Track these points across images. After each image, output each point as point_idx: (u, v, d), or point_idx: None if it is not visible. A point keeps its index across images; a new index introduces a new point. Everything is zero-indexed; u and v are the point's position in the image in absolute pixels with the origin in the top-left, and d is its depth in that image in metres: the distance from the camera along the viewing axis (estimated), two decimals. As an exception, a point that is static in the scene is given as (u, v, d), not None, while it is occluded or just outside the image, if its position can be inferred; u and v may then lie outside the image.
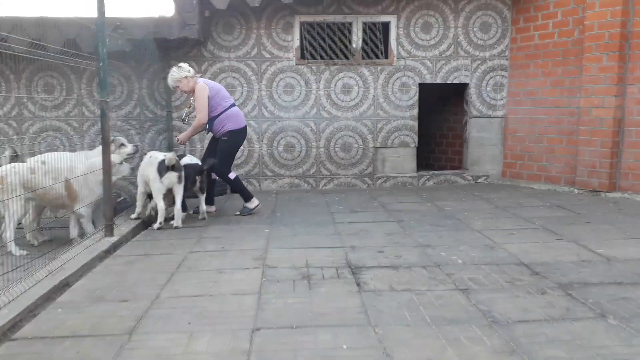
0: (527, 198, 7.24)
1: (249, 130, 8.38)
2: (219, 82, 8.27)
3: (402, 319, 3.28)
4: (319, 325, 3.21)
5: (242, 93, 8.34)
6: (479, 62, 8.56)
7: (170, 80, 6.39)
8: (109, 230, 5.30)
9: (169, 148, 8.19)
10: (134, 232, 5.69)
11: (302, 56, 8.41)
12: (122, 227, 5.66)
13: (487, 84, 8.62)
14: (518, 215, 6.16)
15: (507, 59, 8.59)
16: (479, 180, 8.77)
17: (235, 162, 8.40)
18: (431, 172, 8.86)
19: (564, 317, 3.25)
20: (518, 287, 3.79)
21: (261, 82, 8.34)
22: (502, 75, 8.62)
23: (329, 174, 8.56)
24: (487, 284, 3.89)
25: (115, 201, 6.61)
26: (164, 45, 7.78)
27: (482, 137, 8.77)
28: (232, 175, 6.52)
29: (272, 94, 8.38)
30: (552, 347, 2.85)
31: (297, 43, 8.32)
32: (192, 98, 6.55)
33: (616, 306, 3.39)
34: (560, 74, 7.87)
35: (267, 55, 8.30)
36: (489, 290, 3.76)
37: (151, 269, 4.42)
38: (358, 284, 3.92)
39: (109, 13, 5.90)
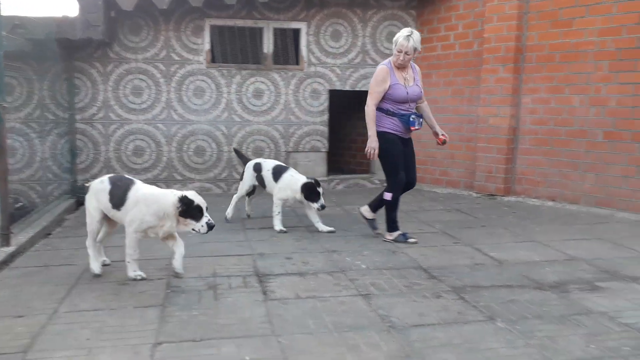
0: (429, 202, 7.58)
1: (156, 133, 8.23)
2: (125, 84, 8.07)
3: (305, 327, 3.36)
4: (223, 337, 3.23)
5: (149, 95, 8.16)
6: (386, 70, 8.84)
7: (418, 43, 5.17)
8: (5, 240, 5.06)
9: (71, 152, 7.90)
10: (33, 241, 5.44)
11: (213, 60, 8.35)
12: (20, 236, 5.40)
13: (394, 91, 8.91)
14: (420, 220, 6.43)
15: (412, 68, 8.92)
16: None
17: (141, 165, 8.23)
18: (341, 176, 9.06)
19: (457, 320, 3.46)
20: (416, 292, 3.98)
21: (170, 84, 8.20)
22: (408, 83, 8.94)
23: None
24: (388, 288, 4.06)
25: (13, 207, 6.29)
26: (67, 46, 7.49)
27: (390, 143, 9.05)
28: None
29: (182, 97, 8.26)
30: (444, 350, 3.03)
31: (207, 46, 8.25)
32: (405, 74, 5.29)
33: (505, 309, 3.64)
34: (460, 83, 8.28)
35: (177, 58, 8.18)
36: (389, 295, 3.93)
37: (50, 281, 4.26)
38: (264, 293, 3.97)
39: (8, 12, 5.62)
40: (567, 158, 7.15)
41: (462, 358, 2.94)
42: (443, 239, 5.58)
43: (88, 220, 4.39)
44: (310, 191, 5.75)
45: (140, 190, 4.19)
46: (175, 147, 8.31)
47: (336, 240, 5.50)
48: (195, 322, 3.43)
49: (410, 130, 5.37)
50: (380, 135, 5.27)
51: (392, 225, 5.48)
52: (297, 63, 8.60)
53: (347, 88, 8.77)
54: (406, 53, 5.15)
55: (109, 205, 4.24)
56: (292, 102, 8.61)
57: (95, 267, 4.37)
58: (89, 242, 4.40)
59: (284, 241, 5.47)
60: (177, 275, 4.19)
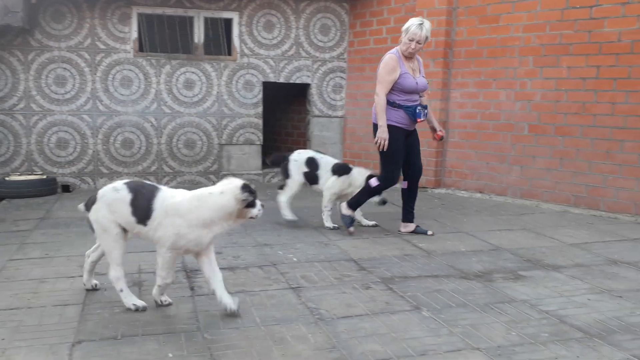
0: (363, 194, 7.62)
1: (81, 124, 7.91)
2: (48, 74, 7.70)
3: (232, 322, 3.30)
4: (146, 334, 3.13)
5: (74, 85, 7.82)
6: (320, 63, 8.83)
7: (429, 32, 5.15)
8: None
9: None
10: (-56, 239, 5.12)
11: (141, 49, 8.09)
12: None
13: (327, 84, 8.93)
14: (353, 212, 6.45)
15: (345, 62, 8.96)
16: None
17: (65, 158, 7.89)
18: (276, 170, 8.98)
19: (384, 310, 3.48)
20: (346, 283, 3.99)
21: (95, 74, 7.89)
22: (341, 77, 8.98)
23: (171, 171, 8.35)
24: (318, 281, 4.04)
25: None
26: (-18, 31, 7.07)
27: (324, 136, 9.07)
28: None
29: (108, 87, 7.96)
30: (370, 341, 3.04)
31: (135, 35, 7.98)
32: (411, 64, 5.23)
33: (431, 298, 3.70)
34: (393, 77, 8.36)
35: (102, 47, 7.87)
36: (319, 287, 3.91)
37: (-40, 281, 4.01)
38: (192, 288, 3.88)
39: None
40: (494, 151, 7.37)
41: (387, 347, 2.96)
42: (375, 231, 5.62)
43: (106, 241, 3.43)
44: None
45: (172, 197, 3.37)
46: (101, 139, 8.01)
47: (269, 233, 5.45)
48: (117, 320, 3.31)
49: (416, 122, 5.26)
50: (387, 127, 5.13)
51: (354, 206, 5.48)
52: (229, 54, 8.45)
53: (282, 80, 8.70)
54: (418, 42, 5.05)
55: (132, 219, 3.36)
56: (225, 94, 8.46)
57: (136, 302, 3.47)
58: (118, 273, 3.43)
59: (214, 235, 5.36)
60: (233, 314, 3.36)
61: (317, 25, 8.74)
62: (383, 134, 5.09)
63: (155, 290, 3.50)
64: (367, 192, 5.43)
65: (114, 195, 3.40)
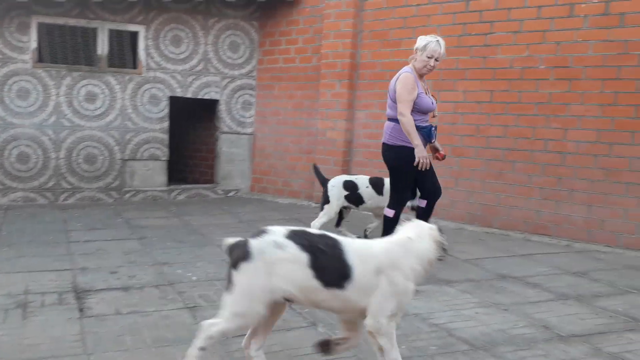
0: (271, 212, 7.64)
1: (-28, 137, 7.44)
2: None
3: (121, 344, 3.19)
4: (27, 358, 2.96)
5: (-37, 95, 7.36)
6: (229, 79, 8.81)
7: (444, 50, 5.08)
8: None
9: None
10: None
11: (41, 59, 7.74)
12: None
13: (236, 101, 8.91)
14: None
15: (254, 79, 9.00)
16: (230, 194, 8.99)
17: (-47, 173, 7.38)
18: (182, 186, 8.83)
19: (281, 327, 3.47)
20: (244, 302, 3.95)
21: (-11, 84, 7.46)
22: (250, 94, 9.00)
23: (70, 187, 7.99)
24: (217, 300, 3.97)
25: None
26: None
27: (233, 153, 9.02)
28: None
29: (4, 98, 7.55)
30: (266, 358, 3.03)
31: (34, 45, 7.63)
32: (424, 83, 5.14)
33: (327, 314, 3.74)
34: (300, 97, 8.49)
35: (-3, 56, 7.47)
36: (217, 306, 3.84)
37: None
38: (81, 310, 3.72)
39: None
40: (396, 170, 7.59)
41: None
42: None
43: (242, 310, 2.66)
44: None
45: (370, 247, 2.76)
46: (-7, 152, 7.56)
47: (169, 252, 5.33)
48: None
49: (430, 143, 5.12)
50: (400, 150, 4.97)
51: None
52: (134, 67, 8.25)
53: (189, 95, 8.60)
54: (436, 59, 4.94)
55: (316, 284, 2.63)
56: (129, 107, 8.24)
57: None
58: (216, 334, 2.71)
59: (111, 254, 5.18)
60: None
61: (226, 42, 8.73)
62: (422, 153, 4.88)
63: None
64: (388, 224, 5.12)
65: (277, 254, 2.62)
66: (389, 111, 5.11)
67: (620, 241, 5.93)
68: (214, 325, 2.71)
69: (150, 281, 4.39)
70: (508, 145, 6.68)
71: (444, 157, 5.36)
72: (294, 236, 2.68)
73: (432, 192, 5.23)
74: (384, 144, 5.17)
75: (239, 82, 8.88)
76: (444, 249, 2.80)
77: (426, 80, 5.23)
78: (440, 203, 7.10)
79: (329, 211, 5.91)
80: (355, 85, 7.92)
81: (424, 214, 5.28)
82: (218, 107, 8.84)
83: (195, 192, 8.82)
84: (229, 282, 2.71)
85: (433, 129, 5.06)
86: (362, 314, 2.68)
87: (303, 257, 2.62)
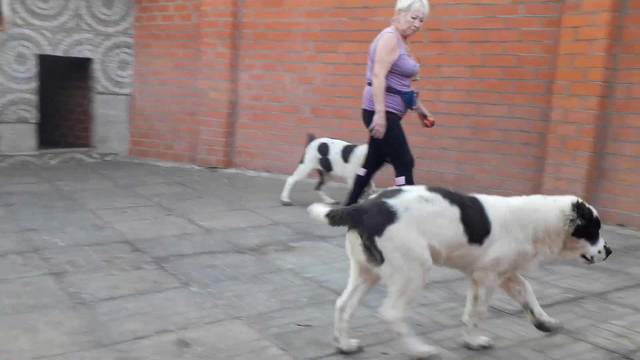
0: (151, 176, 7.41)
1: None
2: None
3: (-25, 313, 2.99)
4: None
5: None
6: (104, 37, 8.34)
7: (428, 9, 4.82)
8: None
9: None
10: None
11: None
12: None
13: (112, 60, 8.47)
14: (137, 194, 6.24)
15: (132, 37, 8.58)
16: (107, 159, 8.60)
17: None
18: (55, 150, 8.32)
19: (151, 289, 3.42)
20: (115, 266, 3.84)
21: None
22: (128, 53, 8.59)
23: None
24: (85, 265, 3.84)
25: None
26: None
27: (109, 115, 8.61)
28: None
29: None
30: (131, 320, 2.97)
31: None
32: (407, 46, 4.89)
33: (202, 274, 3.72)
34: (181, 55, 8.22)
35: None
36: (85, 271, 3.71)
37: None
38: None
39: None
40: (280, 132, 7.62)
41: (148, 326, 2.91)
42: (157, 211, 5.49)
43: (408, 274, 2.46)
44: None
45: (501, 204, 2.68)
46: None
47: (36, 218, 5.03)
48: None
49: (411, 110, 4.94)
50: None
51: None
52: (-4, 22, 7.58)
53: (59, 54, 8.04)
54: (421, 20, 4.73)
55: (463, 239, 2.57)
56: (-8, 67, 7.59)
57: (426, 348, 2.58)
58: (404, 314, 2.52)
59: (-30, 222, 4.81)
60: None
61: (99, -4, 8.22)
62: (381, 120, 4.71)
63: (469, 335, 2.76)
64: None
65: (426, 207, 2.52)
66: (369, 74, 4.92)
67: (486, 196, 6.35)
68: (394, 309, 2.49)
69: (14, 248, 4.13)
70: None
71: (432, 124, 5.10)
72: (438, 190, 2.62)
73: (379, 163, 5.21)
74: (364, 110, 5.00)
75: (114, 40, 8.43)
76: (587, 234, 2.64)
77: (409, 43, 4.98)
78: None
79: (300, 171, 5.93)
80: (237, 45, 7.77)
81: (364, 182, 5.21)
82: (92, 67, 8.36)
83: (70, 157, 8.35)
84: (377, 254, 2.45)
85: (415, 94, 4.88)
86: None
87: (454, 211, 2.56)
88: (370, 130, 4.83)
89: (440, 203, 2.55)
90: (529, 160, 6.03)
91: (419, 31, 6.26)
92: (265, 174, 7.65)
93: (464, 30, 6.33)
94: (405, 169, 4.86)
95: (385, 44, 4.71)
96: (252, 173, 7.73)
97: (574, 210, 2.61)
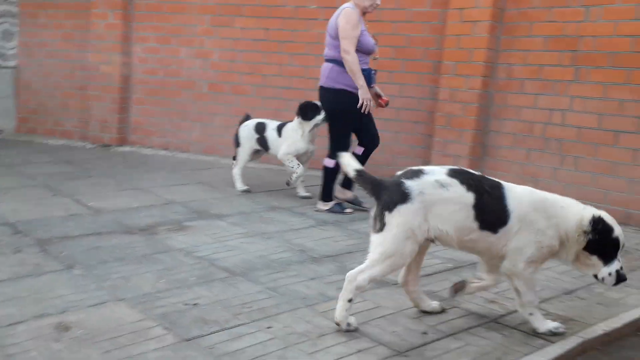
0: (38, 154, 7.03)
1: None
2: None
3: None
4: None
5: None
6: (-18, 4, 7.74)
7: None
8: None
9: None
10: None
11: None
12: None
13: (-8, 30, 7.89)
14: (22, 173, 5.91)
15: (15, 5, 8.03)
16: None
17: None
18: None
19: (31, 273, 3.28)
20: (-8, 250, 3.64)
21: None
22: (11, 23, 8.04)
23: None
24: (-46, 249, 3.61)
25: None
26: None
27: (-8, 89, 8.04)
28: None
29: None
30: (8, 305, 2.84)
31: None
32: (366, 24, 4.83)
33: (87, 256, 3.60)
34: (70, 27, 7.80)
35: None
36: (-44, 256, 3.50)
37: None
38: None
39: None
40: (177, 108, 7.45)
41: (25, 310, 2.80)
42: (42, 192, 5.23)
43: (394, 250, 2.65)
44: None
45: (526, 193, 2.73)
46: None
47: None
48: None
49: (369, 87, 4.79)
50: (342, 93, 4.70)
51: (328, 194, 5.01)
52: None
53: None
54: None
55: (474, 225, 2.66)
56: None
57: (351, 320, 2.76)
58: (363, 281, 2.69)
59: None
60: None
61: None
62: (366, 95, 4.67)
63: (534, 322, 2.79)
64: (329, 176, 4.97)
65: (439, 193, 2.64)
66: (327, 51, 4.85)
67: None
68: (362, 272, 2.66)
69: None
70: (284, 84, 6.89)
71: (387, 103, 5.07)
72: (459, 174, 2.69)
73: (372, 139, 5.04)
74: (321, 87, 4.92)
75: (-5, 9, 7.85)
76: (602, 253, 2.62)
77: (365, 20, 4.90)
78: (222, 141, 7.19)
79: (241, 155, 5.66)
80: (130, 16, 7.46)
81: (360, 162, 5.10)
82: (-30, 36, 7.75)
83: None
84: (380, 224, 2.65)
85: (373, 72, 4.86)
86: (502, 257, 2.73)
87: (469, 197, 2.63)
88: (359, 108, 4.72)
89: (456, 189, 2.65)
90: (418, 137, 6.28)
91: (312, 8, 6.34)
92: (162, 152, 7.47)
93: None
94: (336, 154, 4.83)
95: (348, 20, 4.65)
96: (148, 151, 7.51)
97: (590, 223, 2.60)
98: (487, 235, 2.68)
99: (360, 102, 4.69)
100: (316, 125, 5.17)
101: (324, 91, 4.89)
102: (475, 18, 5.65)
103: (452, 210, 2.64)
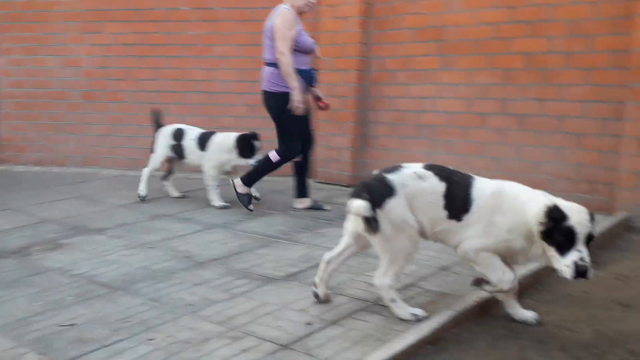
0: None
1: None
2: None
3: None
4: None
5: None
6: None
7: None
8: None
9: None
10: None
11: None
12: None
13: None
14: None
15: None
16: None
17: None
18: None
19: None
20: None
21: None
22: None
23: None
24: None
25: None
26: None
27: None
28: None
29: None
30: None
31: None
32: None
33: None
34: None
35: None
36: None
37: None
38: None
39: None
40: (49, 121, 7.07)
41: None
42: None
43: (398, 244, 2.74)
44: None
45: (493, 187, 2.75)
46: None
47: None
48: None
49: (311, 86, 4.83)
50: (284, 96, 4.66)
51: (255, 180, 4.97)
52: None
53: None
54: None
55: (442, 214, 2.75)
56: None
57: (414, 311, 2.83)
58: (394, 282, 2.81)
59: None
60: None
61: None
62: (298, 97, 4.62)
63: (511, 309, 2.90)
64: (266, 168, 4.83)
65: (418, 184, 2.75)
66: (266, 54, 4.76)
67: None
68: (385, 276, 2.78)
69: None
70: (161, 87, 6.73)
71: (327, 106, 5.02)
72: (433, 167, 2.80)
73: (308, 140, 5.00)
74: (264, 91, 4.83)
75: None
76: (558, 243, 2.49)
77: (302, 19, 4.86)
78: (100, 151, 6.91)
79: (154, 160, 5.40)
80: (-8, 27, 6.98)
81: (304, 169, 5.06)
82: None
83: None
84: (375, 223, 2.68)
85: (314, 72, 4.85)
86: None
87: (441, 186, 2.73)
88: (283, 113, 4.74)
89: (431, 179, 2.76)
90: (302, 132, 6.36)
91: (185, 9, 6.27)
92: (35, 168, 7.05)
93: (233, 9, 6.41)
94: (285, 156, 4.84)
95: (284, 20, 4.61)
96: (21, 168, 7.06)
97: (544, 213, 2.51)
98: (453, 225, 2.75)
99: (292, 104, 4.68)
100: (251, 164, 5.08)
101: (268, 95, 4.86)
102: (345, 14, 5.81)
103: (428, 200, 2.76)
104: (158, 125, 5.47)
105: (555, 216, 2.48)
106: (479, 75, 5.35)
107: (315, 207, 5.09)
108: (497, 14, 5.15)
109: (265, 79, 4.85)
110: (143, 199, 5.40)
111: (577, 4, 4.74)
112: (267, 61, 4.82)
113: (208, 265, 3.69)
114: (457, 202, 2.74)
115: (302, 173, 5.07)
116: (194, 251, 3.98)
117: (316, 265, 3.63)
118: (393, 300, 2.81)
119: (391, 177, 2.76)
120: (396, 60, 5.71)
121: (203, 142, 5.20)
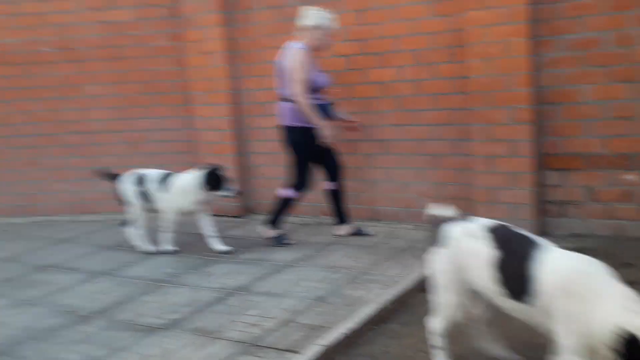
0: None
1: None
2: None
3: None
4: None
5: None
6: None
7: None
8: None
9: None
10: None
11: None
12: None
13: None
14: None
15: None
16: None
17: None
18: None
19: None
20: None
21: None
22: None
23: None
24: None
25: None
26: None
27: None
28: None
29: None
30: None
31: None
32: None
33: None
34: None
35: None
36: None
37: None
38: None
39: None
40: None
41: None
42: None
43: (440, 300, 2.69)
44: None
45: (563, 263, 2.19)
46: None
47: None
48: None
49: (332, 120, 4.97)
50: (302, 131, 4.82)
51: (276, 222, 5.09)
52: None
53: None
54: (332, 36, 4.90)
55: (495, 287, 2.39)
56: None
57: None
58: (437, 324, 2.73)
59: None
60: None
61: None
62: (326, 131, 4.81)
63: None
64: (284, 205, 5.04)
65: (468, 244, 2.51)
66: (281, 90, 4.92)
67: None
68: (433, 321, 2.75)
69: None
70: (37, 131, 6.60)
71: (358, 123, 5.33)
72: (492, 228, 2.49)
73: (337, 167, 5.17)
74: (287, 127, 4.92)
75: None
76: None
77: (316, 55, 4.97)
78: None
79: (135, 215, 5.08)
80: None
81: (337, 195, 5.17)
82: None
83: None
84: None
85: (329, 105, 4.96)
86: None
87: (488, 252, 2.41)
88: (300, 146, 4.91)
89: (481, 242, 2.47)
90: (187, 167, 6.46)
91: (46, 51, 6.19)
92: None
93: (98, 48, 6.42)
94: (299, 187, 5.00)
95: (296, 61, 4.72)
96: None
97: (621, 341, 1.88)
98: (515, 305, 2.37)
99: (325, 138, 4.86)
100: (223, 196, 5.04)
101: (290, 130, 4.93)
102: (210, 49, 6.00)
103: (475, 263, 2.47)
104: (113, 176, 5.14)
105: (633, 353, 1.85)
106: (342, 105, 5.64)
107: (358, 233, 5.22)
108: (350, 47, 5.52)
109: (283, 114, 4.95)
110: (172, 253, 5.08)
111: (418, 35, 5.19)
112: (283, 97, 4.94)
113: (91, 320, 3.74)
114: (514, 278, 2.37)
115: (338, 200, 5.20)
116: (77, 304, 4.01)
117: (200, 309, 3.79)
118: (436, 346, 2.79)
119: (447, 227, 2.68)
120: (264, 92, 5.88)
121: (166, 183, 4.97)
